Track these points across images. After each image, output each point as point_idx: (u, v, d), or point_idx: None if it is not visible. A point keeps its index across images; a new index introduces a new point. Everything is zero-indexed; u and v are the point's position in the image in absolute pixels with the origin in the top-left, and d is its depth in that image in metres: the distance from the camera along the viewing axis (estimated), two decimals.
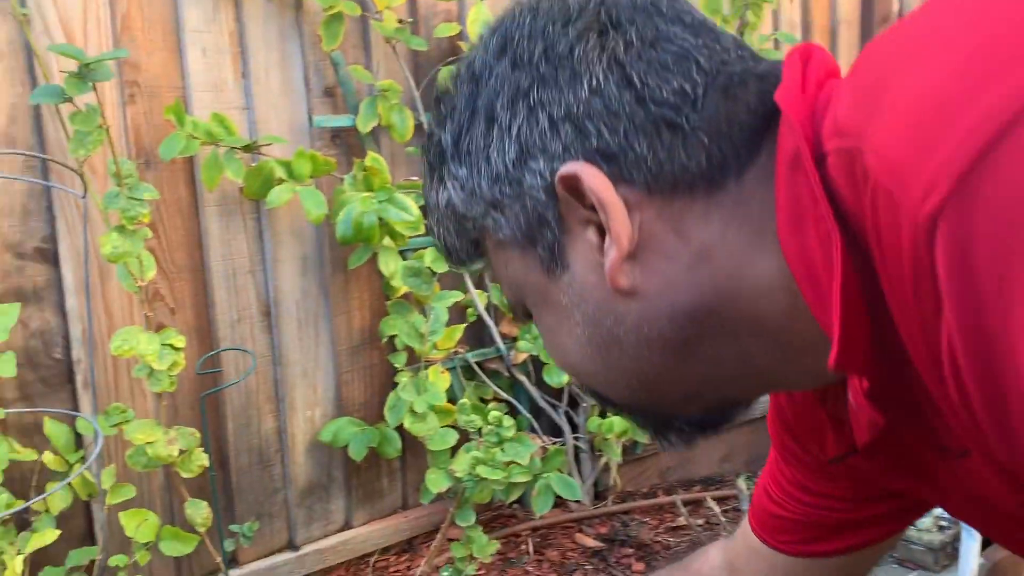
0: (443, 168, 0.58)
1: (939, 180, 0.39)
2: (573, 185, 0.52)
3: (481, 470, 1.40)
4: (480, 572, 2.00)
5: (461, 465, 1.46)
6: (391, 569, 2.04)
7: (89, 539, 1.67)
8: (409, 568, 2.04)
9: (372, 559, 2.05)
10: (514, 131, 0.54)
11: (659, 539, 2.15)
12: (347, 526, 2.06)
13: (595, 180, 0.51)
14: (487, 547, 1.57)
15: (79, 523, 1.67)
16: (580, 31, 0.54)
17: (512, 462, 1.48)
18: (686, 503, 2.23)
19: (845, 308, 0.46)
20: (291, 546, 1.97)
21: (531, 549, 2.11)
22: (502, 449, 1.47)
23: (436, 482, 1.49)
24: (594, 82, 0.53)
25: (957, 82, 0.41)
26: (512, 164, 0.55)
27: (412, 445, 2.08)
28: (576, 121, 0.53)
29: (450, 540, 2.09)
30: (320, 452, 1.99)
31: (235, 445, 1.86)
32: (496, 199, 0.56)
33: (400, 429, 1.94)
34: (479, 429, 1.46)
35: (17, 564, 1.13)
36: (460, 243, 0.60)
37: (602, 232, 0.53)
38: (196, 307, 1.78)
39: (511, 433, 1.49)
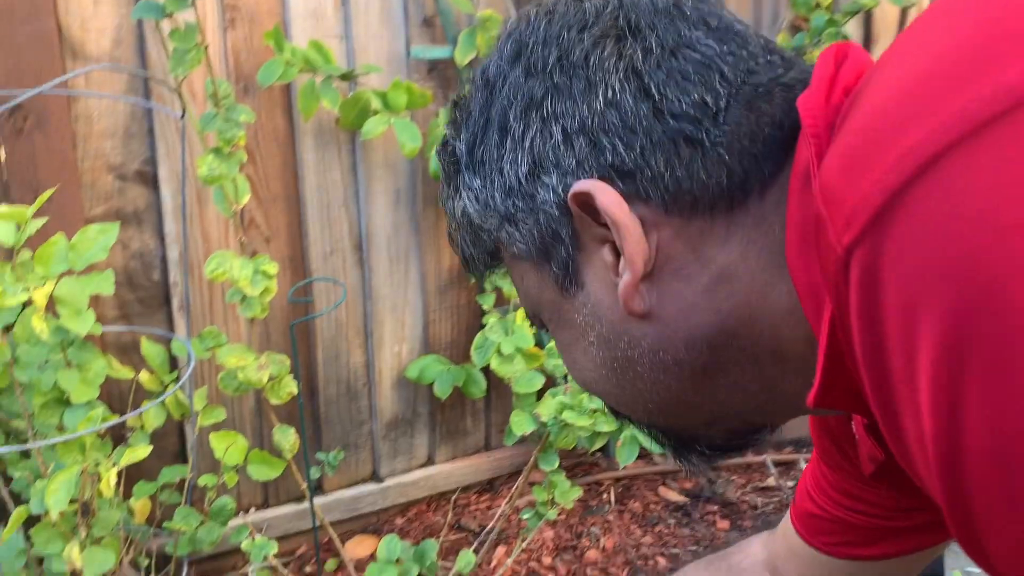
0: (458, 178, 0.56)
1: (858, 212, 0.37)
2: (586, 203, 0.49)
3: (567, 415, 1.36)
4: (560, 518, 1.98)
5: (547, 409, 1.43)
6: (471, 508, 2.04)
7: (180, 459, 1.71)
8: (489, 508, 2.04)
9: (453, 496, 2.06)
10: (527, 143, 0.52)
11: (746, 498, 2.09)
12: (430, 462, 2.06)
13: (609, 198, 0.49)
14: (569, 492, 1.53)
15: (172, 442, 1.72)
16: (596, 37, 0.51)
17: (599, 410, 1.43)
18: (776, 464, 2.15)
19: (831, 345, 0.42)
20: (375, 478, 1.99)
21: (612, 499, 2.08)
22: (589, 396, 1.42)
23: (520, 425, 1.46)
24: (610, 93, 0.49)
25: (896, 107, 0.39)
26: (525, 178, 0.52)
27: (497, 386, 2.07)
28: (591, 135, 0.50)
29: (531, 484, 2.07)
30: (406, 388, 1.99)
31: (324, 376, 1.88)
32: (510, 213, 0.54)
33: (486, 370, 1.92)
34: (566, 375, 1.42)
35: (112, 476, 1.16)
36: (477, 253, 0.58)
37: (617, 251, 0.50)
38: (290, 237, 1.78)
39: None
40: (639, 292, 0.50)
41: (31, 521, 1.28)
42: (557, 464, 1.49)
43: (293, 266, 1.80)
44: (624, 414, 0.60)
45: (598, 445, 1.75)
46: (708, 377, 0.52)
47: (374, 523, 1.99)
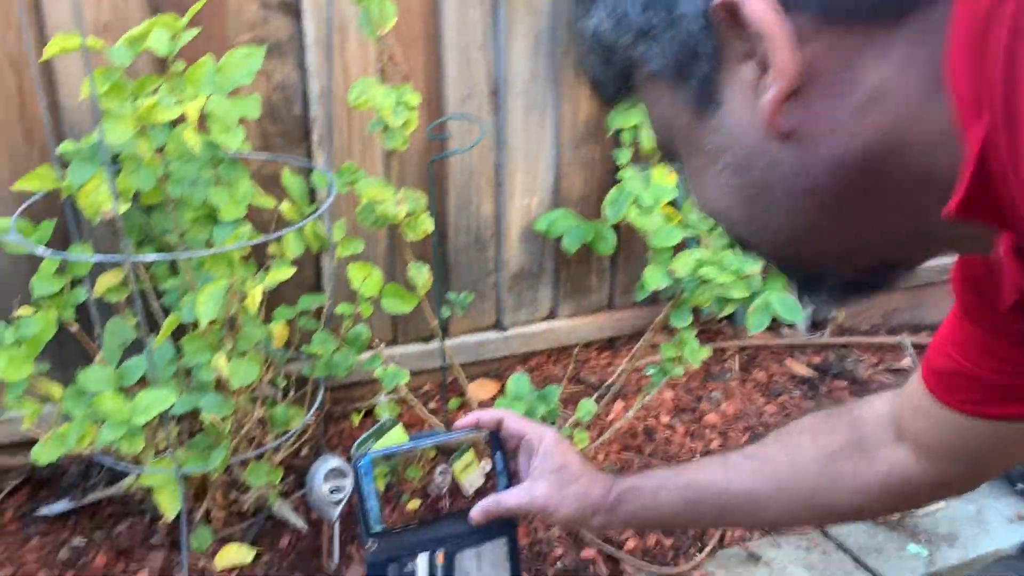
0: None
1: None
2: (732, 12, 0.45)
3: (706, 271, 1.31)
4: (681, 380, 1.96)
5: (683, 265, 1.38)
6: (591, 363, 2.05)
7: (317, 290, 1.77)
8: (609, 365, 2.04)
9: (574, 351, 2.06)
10: None
11: (877, 377, 2.01)
12: (552, 316, 2.07)
13: (757, 6, 0.45)
14: (698, 352, 1.50)
15: (308, 275, 1.77)
16: None
17: (738, 271, 1.38)
18: (914, 347, 2.05)
19: (983, 151, 0.39)
20: (498, 327, 2.01)
21: (736, 367, 2.04)
22: (732, 253, 1.36)
23: (654, 279, 1.42)
24: None
25: None
26: None
27: (626, 245, 2.03)
28: None
29: (653, 346, 2.05)
30: (533, 241, 1.97)
31: (454, 223, 1.88)
32: (646, 27, 0.50)
33: (616, 228, 1.88)
34: (711, 228, 1.36)
35: (256, 293, 1.19)
36: (608, 76, 0.55)
37: (762, 67, 0.46)
38: (428, 78, 1.75)
39: None
40: (783, 110, 0.46)
41: (180, 333, 1.35)
42: (690, 320, 1.46)
43: (429, 108, 1.77)
44: (753, 246, 0.57)
45: (727, 311, 1.70)
46: (848, 206, 0.48)
47: (496, 369, 2.03)
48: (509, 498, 0.90)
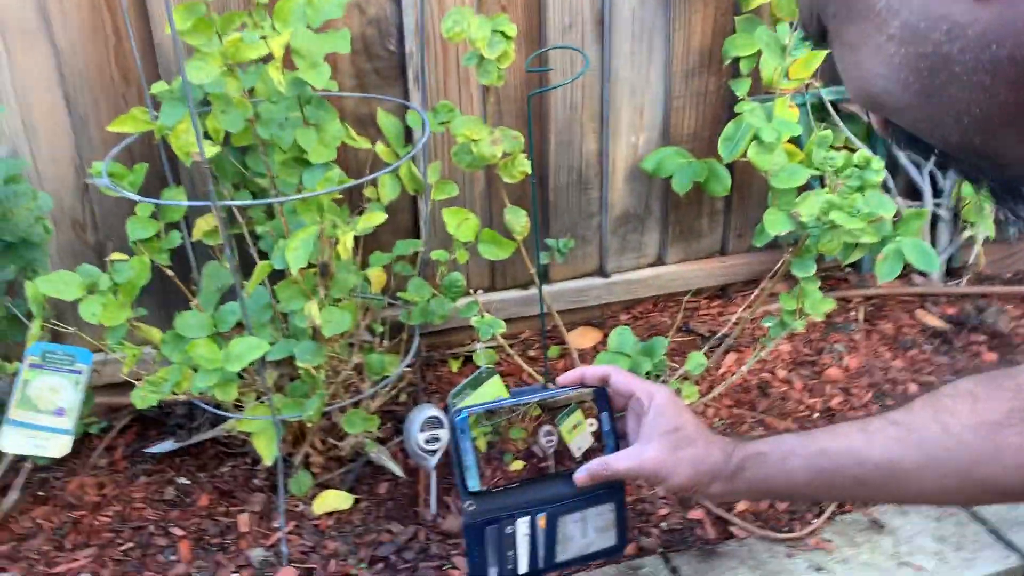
0: None
1: None
2: None
3: (836, 215, 1.18)
4: (800, 331, 1.83)
5: (809, 208, 1.25)
6: (701, 312, 1.94)
7: (413, 235, 1.72)
8: (720, 314, 1.93)
9: (682, 300, 1.96)
10: None
11: (1021, 331, 1.83)
12: (659, 262, 1.96)
13: None
14: (821, 303, 1.38)
15: (405, 219, 1.71)
16: None
17: (869, 216, 1.24)
18: None
19: None
20: (601, 272, 1.92)
21: (861, 317, 1.89)
22: (863, 197, 1.22)
23: (776, 223, 1.30)
24: None
25: None
26: None
27: (741, 186, 1.89)
28: None
29: (771, 294, 1.92)
30: (640, 181, 1.86)
31: (555, 163, 1.78)
32: None
33: (731, 167, 1.74)
34: (839, 169, 1.22)
35: (348, 239, 1.14)
36: None
37: None
38: (527, 8, 1.64)
39: (879, 177, 1.23)
40: None
41: (279, 278, 1.32)
42: (813, 270, 1.33)
43: (528, 41, 1.67)
44: (924, 138, 0.46)
45: (853, 258, 1.55)
46: None
47: (597, 316, 1.94)
48: (617, 461, 0.82)
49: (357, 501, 1.47)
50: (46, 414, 1.34)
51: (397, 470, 1.51)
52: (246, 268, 1.29)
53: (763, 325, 1.43)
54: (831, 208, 1.20)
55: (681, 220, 1.92)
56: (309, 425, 1.43)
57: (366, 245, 1.48)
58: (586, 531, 0.86)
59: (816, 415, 1.62)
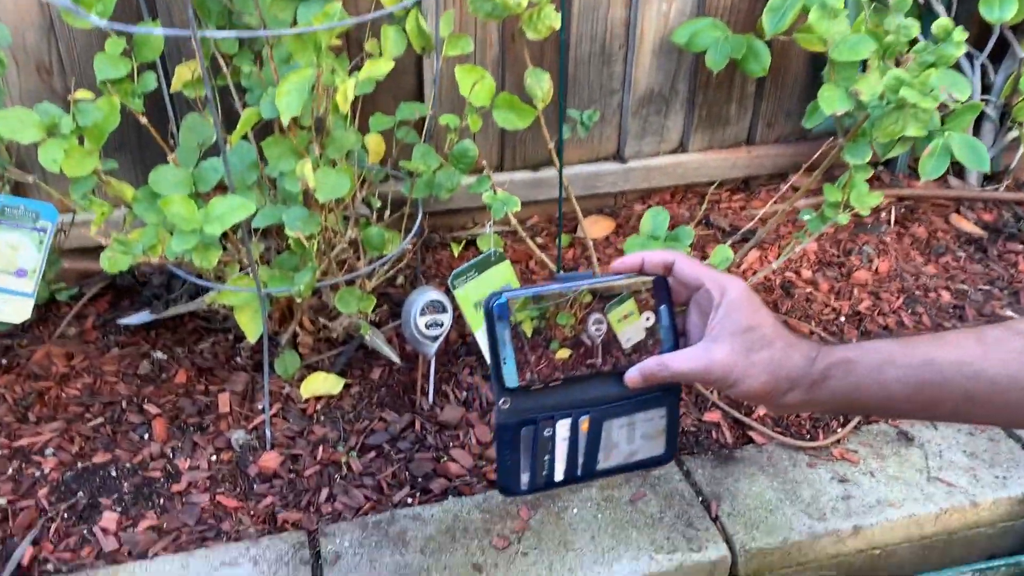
0: None
1: None
2: None
3: (907, 93, 1.03)
4: (827, 230, 1.71)
5: (870, 86, 1.10)
6: (722, 205, 1.80)
7: (417, 100, 1.56)
8: (743, 208, 1.79)
9: (703, 192, 1.82)
10: None
11: None
12: (681, 149, 1.81)
13: None
14: (868, 197, 1.24)
15: (409, 82, 1.55)
16: None
17: (937, 97, 1.09)
18: None
19: None
20: (618, 157, 1.77)
21: (892, 219, 1.76)
22: (935, 73, 1.07)
23: (833, 101, 1.15)
24: None
25: None
26: None
27: (775, 70, 1.73)
28: None
29: (795, 189, 1.78)
30: (668, 57, 1.69)
31: (577, 31, 1.61)
32: None
33: (768, 45, 1.57)
34: (910, 41, 1.07)
35: (348, 88, 0.99)
36: None
37: None
38: None
39: (959, 52, 1.08)
40: None
41: (264, 135, 1.17)
42: (869, 156, 1.19)
43: None
44: None
45: (893, 153, 1.41)
46: None
47: (611, 205, 1.81)
48: (679, 361, 0.70)
49: (348, 386, 1.37)
50: (5, 274, 1.20)
51: (393, 355, 1.39)
52: (230, 125, 1.14)
53: (803, 218, 1.30)
54: (900, 85, 1.05)
55: (709, 103, 1.76)
56: (298, 301, 1.31)
57: (363, 110, 1.32)
58: (632, 437, 0.75)
59: (842, 319, 1.51)
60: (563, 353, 0.72)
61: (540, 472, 0.74)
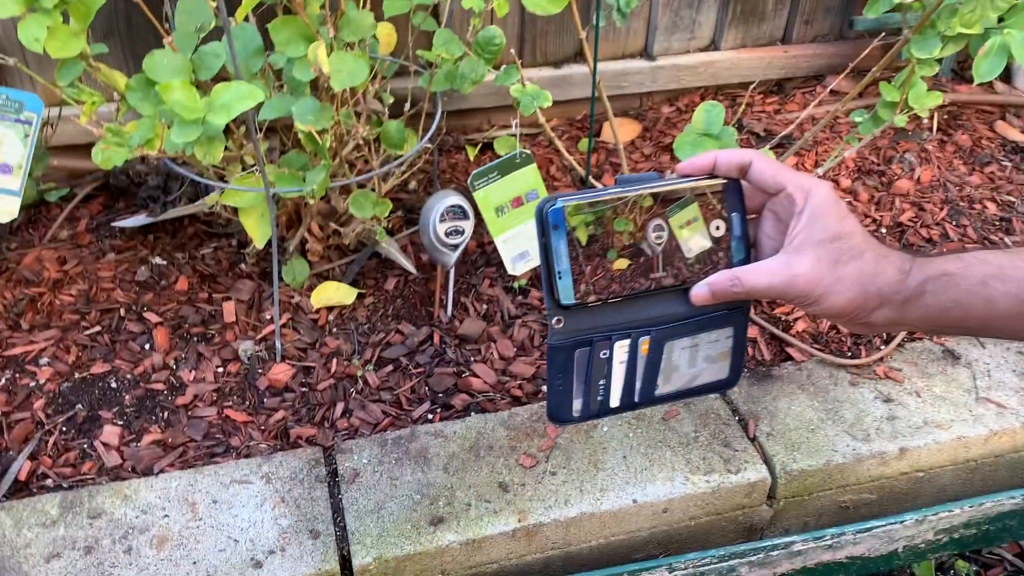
0: None
1: None
2: None
3: None
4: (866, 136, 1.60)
5: None
6: (756, 108, 1.69)
7: None
8: (777, 112, 1.68)
9: (734, 94, 1.70)
10: None
11: None
12: (713, 47, 1.69)
13: None
14: (927, 97, 1.14)
15: None
16: None
17: None
18: None
19: None
20: (645, 54, 1.65)
21: (935, 126, 1.66)
22: None
23: None
24: None
25: None
26: None
27: None
28: None
29: (833, 92, 1.67)
30: None
31: None
32: None
33: None
34: None
35: None
36: None
37: None
38: None
39: None
40: None
41: (266, 19, 1.05)
42: (938, 49, 1.08)
43: None
44: None
45: (944, 54, 1.30)
46: None
47: (636, 107, 1.69)
48: (757, 275, 0.61)
49: (361, 296, 1.28)
50: None
51: (408, 265, 1.31)
52: (230, 7, 1.02)
53: (854, 120, 1.20)
54: None
55: None
56: (309, 203, 1.21)
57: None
58: (695, 360, 0.67)
59: (883, 230, 1.42)
60: (621, 264, 0.63)
61: (594, 398, 0.66)
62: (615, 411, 0.68)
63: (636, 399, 0.67)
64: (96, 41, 1.30)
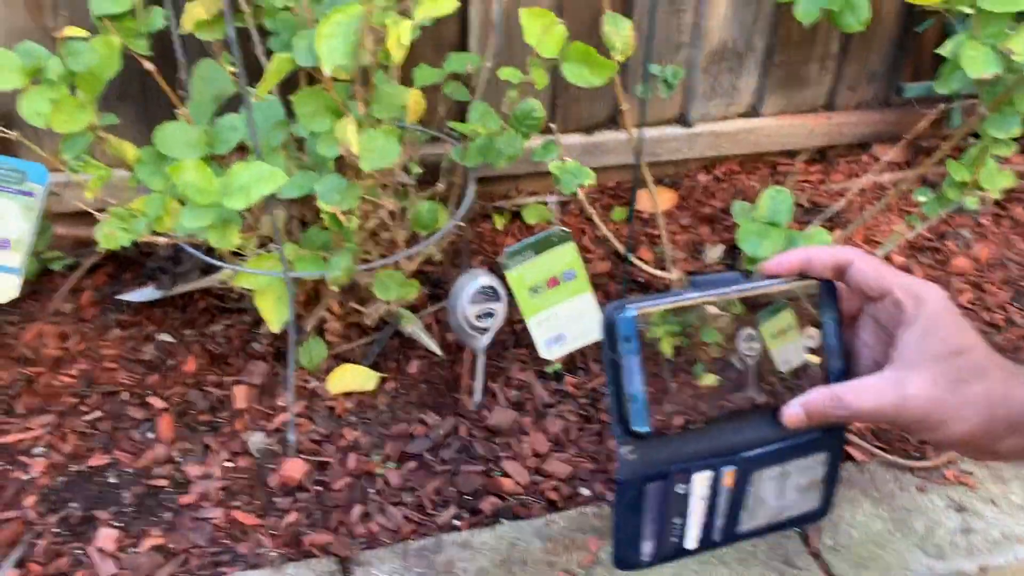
0: None
1: None
2: None
3: None
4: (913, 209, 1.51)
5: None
6: (799, 178, 1.61)
7: (463, 49, 1.36)
8: (821, 182, 1.60)
9: (775, 162, 1.62)
10: None
11: None
12: (753, 113, 1.61)
13: None
14: (1000, 178, 1.05)
15: (450, 30, 1.35)
16: None
17: None
18: None
19: None
20: (682, 120, 1.57)
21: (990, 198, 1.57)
22: None
23: (978, 62, 0.95)
24: None
25: None
26: None
27: (876, 22, 1.52)
28: None
29: (875, 159, 1.59)
30: (745, 6, 1.48)
31: None
32: None
33: None
34: None
35: (404, 31, 0.79)
36: None
37: None
38: None
39: None
40: None
41: (290, 90, 0.98)
42: (1015, 131, 1.00)
43: None
44: None
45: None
46: None
47: (671, 175, 1.61)
48: (861, 394, 0.52)
49: (383, 381, 1.19)
50: None
51: (433, 346, 1.21)
52: (251, 77, 0.95)
53: (917, 199, 1.11)
54: None
55: (788, 62, 1.56)
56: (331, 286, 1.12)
57: (407, 64, 1.12)
58: (783, 491, 0.57)
59: None
60: (709, 381, 0.54)
61: (668, 539, 0.56)
62: (691, 553, 0.58)
63: (716, 538, 0.57)
64: (108, 105, 1.23)
